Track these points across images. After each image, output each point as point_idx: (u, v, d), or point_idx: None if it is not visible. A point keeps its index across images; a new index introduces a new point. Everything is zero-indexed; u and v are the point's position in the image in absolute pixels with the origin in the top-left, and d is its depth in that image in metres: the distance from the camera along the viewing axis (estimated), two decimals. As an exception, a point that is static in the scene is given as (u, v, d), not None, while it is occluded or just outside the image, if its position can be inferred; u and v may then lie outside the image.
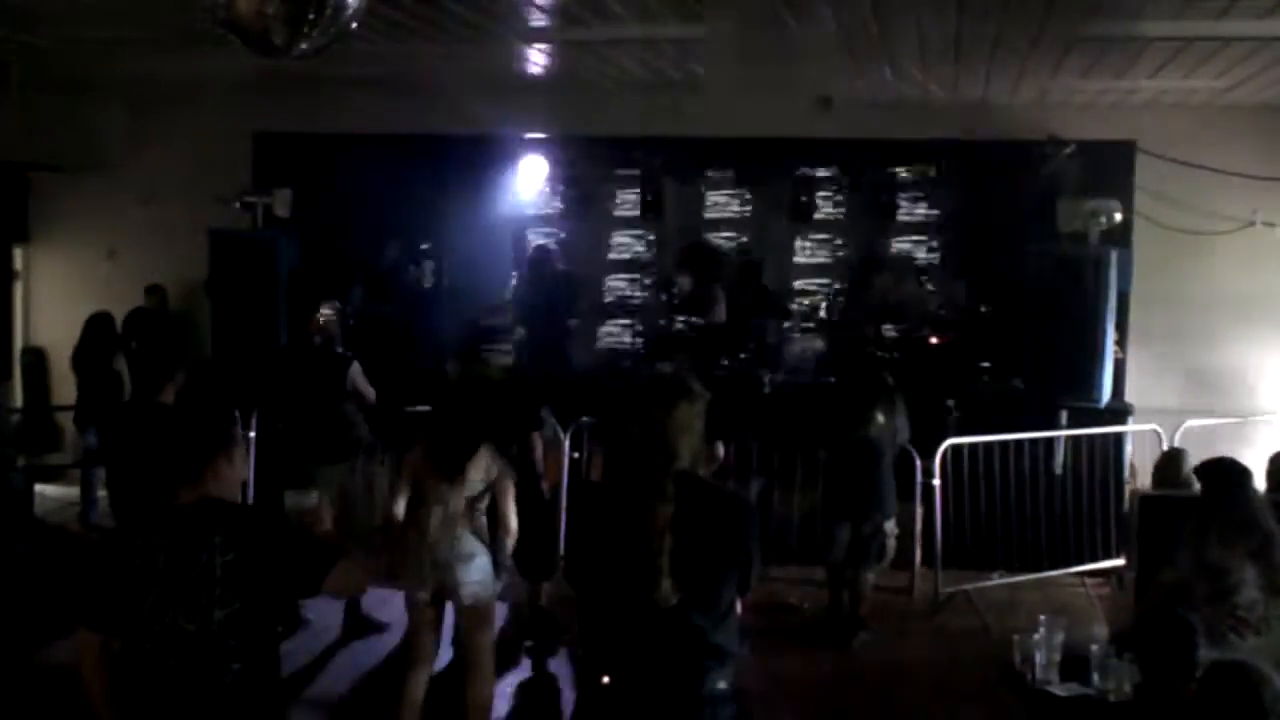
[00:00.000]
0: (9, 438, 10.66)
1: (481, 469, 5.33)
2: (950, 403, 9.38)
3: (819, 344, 10.66)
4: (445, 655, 5.84)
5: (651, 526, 3.07)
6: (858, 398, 7.43)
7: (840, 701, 6.57)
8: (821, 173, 11.03)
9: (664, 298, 11.41)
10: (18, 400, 11.64)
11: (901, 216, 11.13)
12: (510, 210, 11.38)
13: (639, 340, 11.63)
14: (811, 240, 11.54)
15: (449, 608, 5.45)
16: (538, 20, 7.31)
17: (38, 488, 9.49)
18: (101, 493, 9.11)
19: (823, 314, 11.24)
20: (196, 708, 3.29)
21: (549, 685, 6.71)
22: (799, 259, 11.60)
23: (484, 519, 5.37)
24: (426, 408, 7.21)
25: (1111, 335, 9.03)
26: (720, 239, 11.60)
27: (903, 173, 10.98)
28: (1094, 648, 5.00)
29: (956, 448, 8.51)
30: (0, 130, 9.83)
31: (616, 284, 11.87)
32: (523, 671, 6.86)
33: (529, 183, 11.24)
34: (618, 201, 11.73)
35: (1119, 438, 9.07)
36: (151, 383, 6.42)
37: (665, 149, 10.87)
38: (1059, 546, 8.61)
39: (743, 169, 11.38)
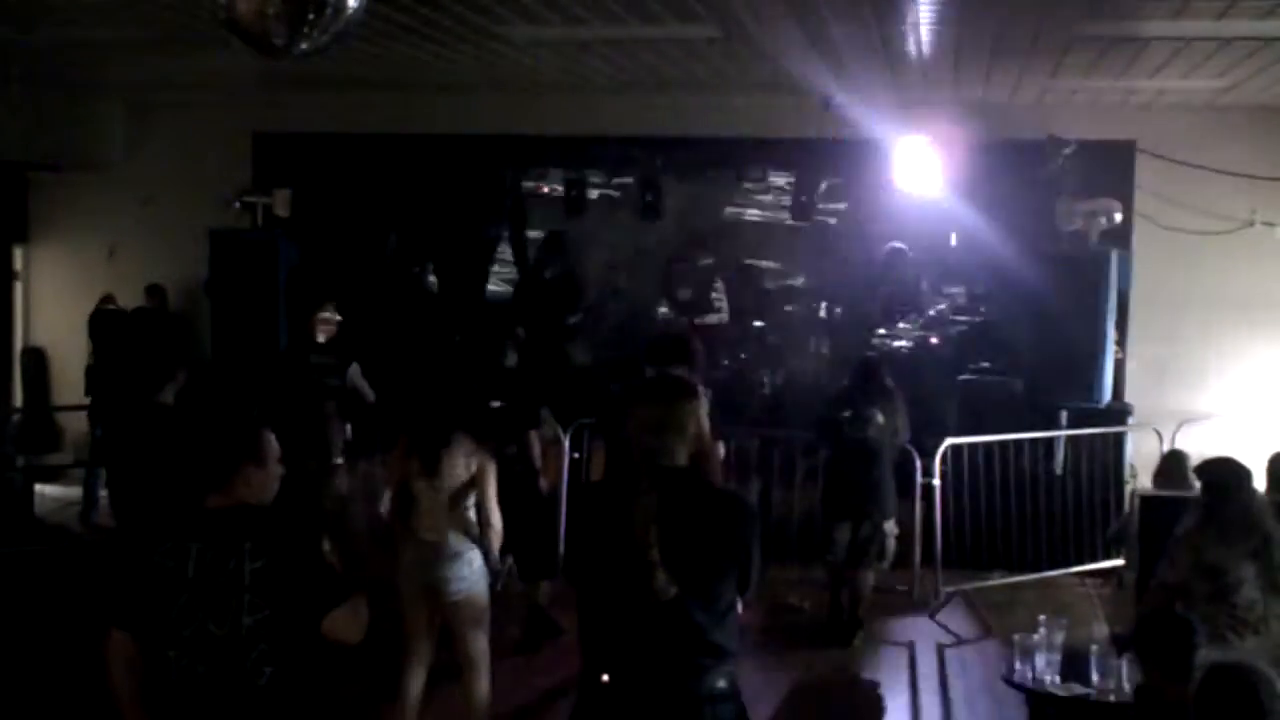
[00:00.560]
0: (9, 438, 10.70)
1: (462, 465, 5.31)
2: (950, 403, 9.40)
3: (821, 344, 10.68)
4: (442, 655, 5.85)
5: (637, 520, 3.07)
6: (857, 398, 7.44)
7: (840, 701, 6.58)
8: (820, 173, 11.00)
9: (664, 299, 11.42)
10: (18, 400, 11.66)
11: (900, 217, 11.11)
12: (511, 211, 11.37)
13: (637, 341, 11.62)
14: (811, 241, 11.52)
15: (440, 606, 5.45)
16: (537, 20, 7.31)
17: (38, 488, 9.50)
18: (102, 492, 9.12)
19: (823, 314, 11.23)
20: (227, 712, 3.27)
21: (548, 684, 6.71)
22: (799, 259, 11.59)
23: (472, 515, 5.36)
24: (405, 405, 7.22)
25: (1111, 335, 9.03)
26: (720, 239, 11.60)
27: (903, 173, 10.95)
28: (1094, 648, 5.00)
29: (956, 448, 8.50)
30: (0, 130, 9.84)
31: (616, 284, 11.85)
32: (522, 671, 6.85)
33: (530, 183, 11.23)
34: (617, 201, 11.72)
35: (1119, 438, 9.07)
36: (151, 383, 6.43)
37: (665, 149, 10.87)
38: (1059, 546, 8.62)
39: (742, 169, 11.37)
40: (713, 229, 11.62)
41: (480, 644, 5.40)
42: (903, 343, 10.32)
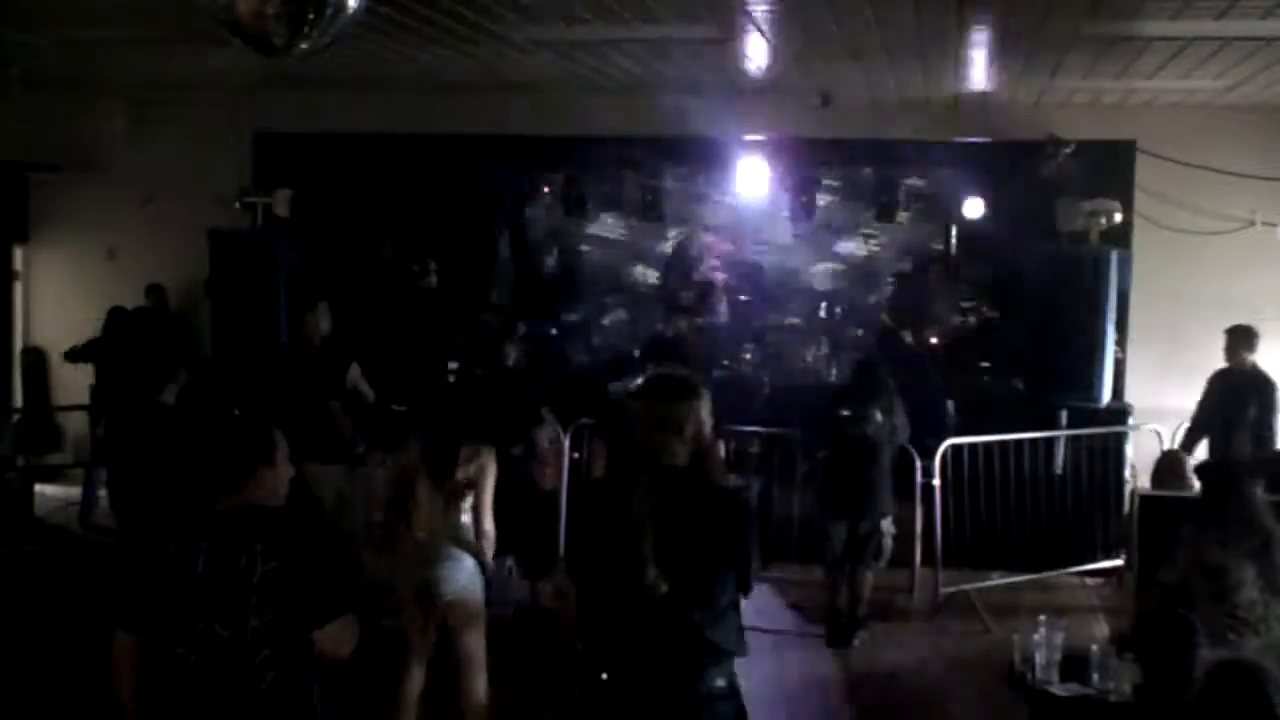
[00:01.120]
0: (9, 438, 10.70)
1: (463, 469, 5.31)
2: (950, 403, 9.40)
3: (821, 345, 10.69)
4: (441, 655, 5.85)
5: (632, 516, 3.08)
6: (855, 397, 7.43)
7: (840, 701, 6.57)
8: (822, 173, 11.01)
9: (663, 300, 11.43)
10: (18, 400, 11.65)
11: (901, 217, 11.13)
12: (510, 211, 11.37)
13: (637, 340, 11.63)
14: (812, 241, 11.54)
15: (436, 606, 5.45)
16: (537, 20, 7.31)
17: (38, 488, 9.49)
18: (101, 492, 9.12)
19: (823, 314, 11.24)
20: (230, 713, 3.27)
21: (547, 684, 6.71)
22: (800, 259, 11.60)
23: (467, 519, 5.35)
24: (417, 408, 7.22)
25: (1111, 335, 9.03)
26: (720, 240, 11.61)
27: (902, 172, 10.96)
28: (1094, 648, 5.00)
29: (956, 448, 8.50)
30: (0, 130, 9.83)
31: (616, 284, 11.87)
32: (521, 670, 6.85)
33: (529, 183, 11.23)
34: (617, 201, 11.73)
35: (1119, 438, 9.07)
36: (152, 383, 6.43)
37: (665, 149, 10.87)
38: (1059, 546, 8.61)
39: (742, 169, 11.35)
40: (712, 229, 11.65)
41: (475, 644, 5.41)
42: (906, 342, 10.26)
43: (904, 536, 8.10)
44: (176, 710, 3.32)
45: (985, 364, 10.02)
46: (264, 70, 8.38)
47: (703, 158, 11.12)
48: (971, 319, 10.27)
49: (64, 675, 5.84)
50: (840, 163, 10.91)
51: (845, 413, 7.33)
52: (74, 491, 9.99)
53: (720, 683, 3.15)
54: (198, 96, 10.52)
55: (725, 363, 10.32)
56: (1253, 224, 9.60)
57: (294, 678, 3.33)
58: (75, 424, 11.05)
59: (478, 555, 5.33)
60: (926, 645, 7.44)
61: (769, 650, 7.01)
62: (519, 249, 11.69)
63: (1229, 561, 5.15)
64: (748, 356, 10.47)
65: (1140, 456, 9.08)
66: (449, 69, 8.77)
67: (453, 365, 9.36)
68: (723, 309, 10.81)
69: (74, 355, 10.13)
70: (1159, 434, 8.98)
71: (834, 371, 10.50)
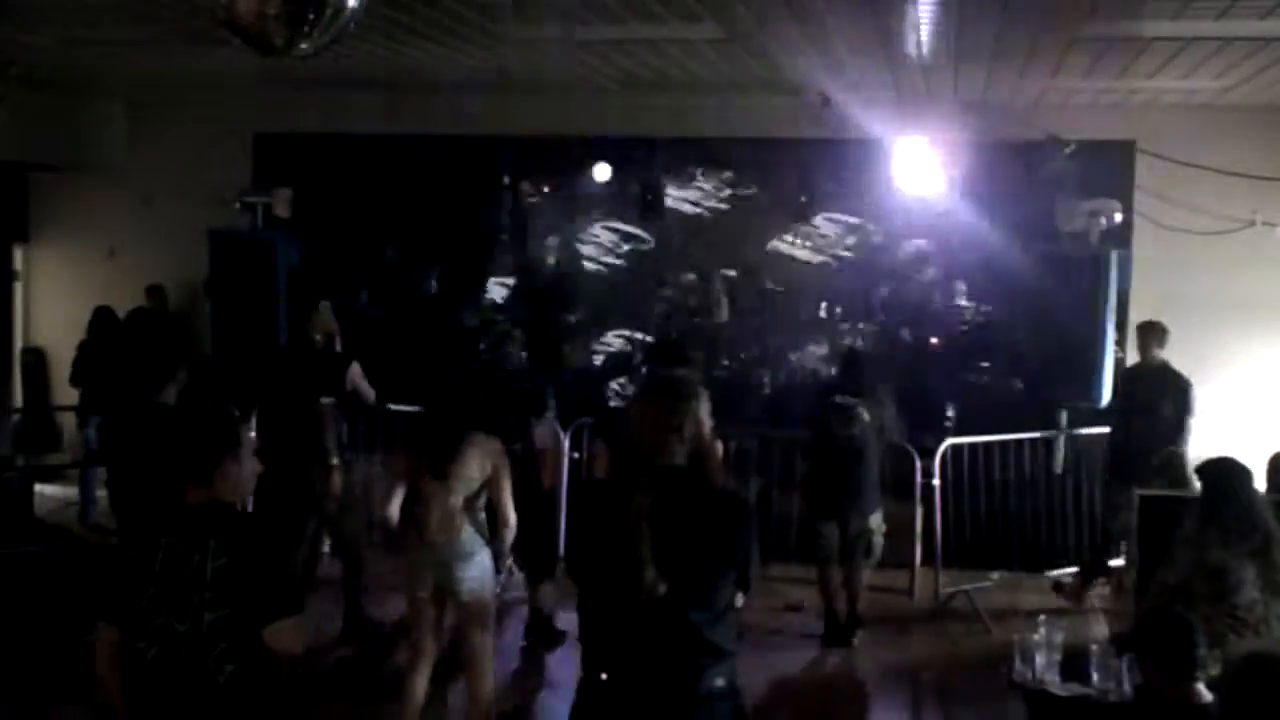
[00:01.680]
0: (9, 438, 10.69)
1: (475, 465, 5.31)
2: (950, 403, 9.40)
3: (821, 345, 10.69)
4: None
5: (630, 516, 3.08)
6: (842, 394, 7.42)
7: (840, 701, 6.57)
8: (821, 173, 11.01)
9: (662, 301, 11.43)
10: (18, 400, 11.66)
11: (901, 217, 11.13)
12: (511, 211, 11.38)
13: (637, 341, 11.63)
14: (812, 241, 11.54)
15: (449, 606, 5.46)
16: (537, 20, 7.31)
17: (38, 488, 9.49)
18: (101, 492, 9.12)
19: (822, 314, 11.24)
20: (190, 707, 3.30)
21: (548, 684, 6.72)
22: (799, 259, 11.60)
23: (483, 515, 5.36)
24: (414, 407, 7.21)
25: (1111, 335, 9.03)
26: (719, 240, 11.61)
27: (902, 173, 10.95)
28: (1094, 648, 5.00)
29: (956, 448, 8.51)
30: (0, 130, 9.83)
31: (616, 284, 11.86)
32: (522, 670, 6.86)
33: (530, 183, 11.23)
34: (617, 202, 11.73)
35: (1119, 438, 9.06)
36: (151, 383, 6.42)
37: (665, 149, 10.87)
38: (1059, 546, 8.61)
39: (742, 169, 11.37)
40: (712, 229, 11.64)
41: (484, 643, 5.42)
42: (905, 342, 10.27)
43: (904, 536, 8.11)
44: (140, 704, 3.37)
45: (985, 364, 10.01)
46: (264, 70, 8.37)
47: (703, 157, 11.13)
48: (971, 319, 10.27)
49: (64, 675, 5.85)
50: (840, 162, 10.91)
51: (832, 412, 7.31)
52: (74, 491, 10.00)
53: (720, 683, 3.15)
54: (198, 96, 10.52)
55: (725, 362, 10.32)
56: (1253, 224, 9.59)
57: (253, 673, 3.35)
58: (75, 424, 11.05)
59: (496, 547, 5.34)
60: (926, 645, 7.44)
61: (769, 650, 7.02)
62: (518, 249, 11.69)
63: (1229, 561, 5.15)
64: (747, 356, 10.47)
65: (1140, 456, 9.08)
66: (449, 69, 8.77)
67: (452, 365, 9.37)
68: (722, 309, 10.80)
69: (75, 377, 10.16)
70: (1159, 434, 8.99)
71: (834, 371, 10.49)
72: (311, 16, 4.18)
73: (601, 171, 11.09)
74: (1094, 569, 8.27)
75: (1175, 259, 9.60)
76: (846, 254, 11.56)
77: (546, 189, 11.49)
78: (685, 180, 11.50)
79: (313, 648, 6.85)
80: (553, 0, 6.83)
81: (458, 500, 5.27)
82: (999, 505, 8.58)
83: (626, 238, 11.79)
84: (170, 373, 6.43)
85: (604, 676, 3.19)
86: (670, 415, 3.22)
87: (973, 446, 8.53)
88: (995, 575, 8.52)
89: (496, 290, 11.51)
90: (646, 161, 11.07)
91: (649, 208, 11.28)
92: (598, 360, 11.25)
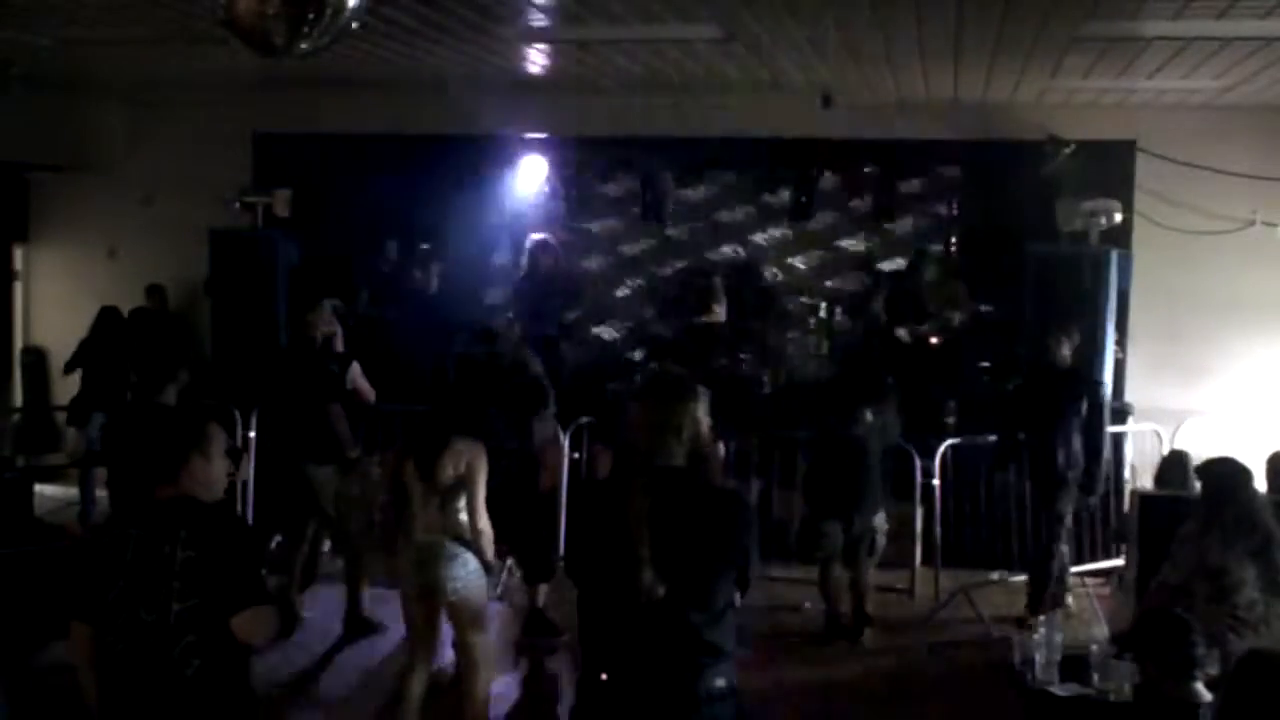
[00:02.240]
0: (9, 438, 10.69)
1: (452, 467, 5.32)
2: (950, 403, 9.39)
3: (822, 345, 10.67)
4: (446, 654, 5.85)
5: (630, 518, 3.08)
6: (844, 395, 7.42)
7: (840, 702, 6.57)
8: (821, 173, 11.00)
9: (662, 301, 11.42)
10: (18, 400, 11.65)
11: (901, 216, 11.13)
12: (511, 211, 11.37)
13: (637, 340, 11.63)
14: (812, 241, 11.53)
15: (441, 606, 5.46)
16: (538, 20, 7.31)
17: (38, 488, 9.49)
18: (101, 492, 9.12)
19: (822, 314, 11.23)
20: (156, 700, 3.32)
21: (548, 684, 6.71)
22: (799, 259, 11.60)
23: (464, 517, 5.36)
24: (410, 408, 7.21)
25: (1111, 335, 9.03)
26: (719, 240, 11.60)
27: (903, 173, 10.96)
28: (1094, 648, 5.01)
29: (956, 448, 8.50)
30: (0, 130, 9.84)
31: (616, 284, 11.85)
32: (522, 671, 6.86)
33: (529, 183, 11.23)
34: (617, 202, 11.73)
35: (1119, 438, 9.06)
36: (152, 383, 6.43)
37: (665, 149, 10.87)
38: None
39: (743, 169, 11.37)
40: (712, 229, 11.64)
41: (480, 644, 5.42)
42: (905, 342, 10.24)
43: (904, 536, 8.11)
44: (112, 696, 3.38)
45: (985, 364, 10.01)
46: (264, 70, 8.37)
47: (703, 157, 11.12)
48: (971, 319, 10.26)
49: (64, 675, 5.85)
50: (840, 162, 10.91)
51: (834, 413, 7.31)
52: (74, 491, 9.99)
53: (719, 683, 3.15)
54: (198, 96, 10.52)
55: (725, 362, 10.31)
56: (1253, 224, 9.60)
57: (221, 665, 3.36)
58: (66, 421, 11.04)
59: (480, 554, 5.34)
60: (926, 645, 7.44)
61: (769, 650, 7.02)
62: (519, 250, 11.68)
63: (1229, 561, 5.16)
64: (747, 356, 10.46)
65: (1140, 456, 9.09)
66: (449, 69, 8.77)
67: (450, 365, 9.36)
68: (722, 309, 10.78)
69: (70, 366, 10.17)
70: (1159, 434, 8.99)
71: (834, 371, 10.47)
72: (311, 16, 4.19)
73: (601, 171, 11.09)
74: (1038, 588, 7.70)
75: (1175, 259, 9.61)
76: (848, 253, 11.55)
77: (547, 188, 11.47)
78: (685, 180, 11.49)
79: (313, 647, 6.89)
80: (553, 0, 6.83)
81: (438, 500, 5.27)
82: (999, 505, 8.57)
83: (627, 237, 11.77)
84: (170, 373, 6.43)
85: (603, 677, 3.19)
86: (669, 416, 3.22)
87: (973, 446, 8.52)
88: (995, 575, 8.52)
89: (496, 290, 11.50)
90: (646, 161, 11.08)
91: (649, 207, 11.29)
92: (597, 360, 11.23)
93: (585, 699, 3.24)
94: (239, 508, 8.30)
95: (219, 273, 10.14)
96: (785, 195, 11.11)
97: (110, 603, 3.31)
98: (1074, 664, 4.95)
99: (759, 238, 11.61)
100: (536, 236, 11.02)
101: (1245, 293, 9.59)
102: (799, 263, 11.55)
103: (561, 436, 8.36)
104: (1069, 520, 7.65)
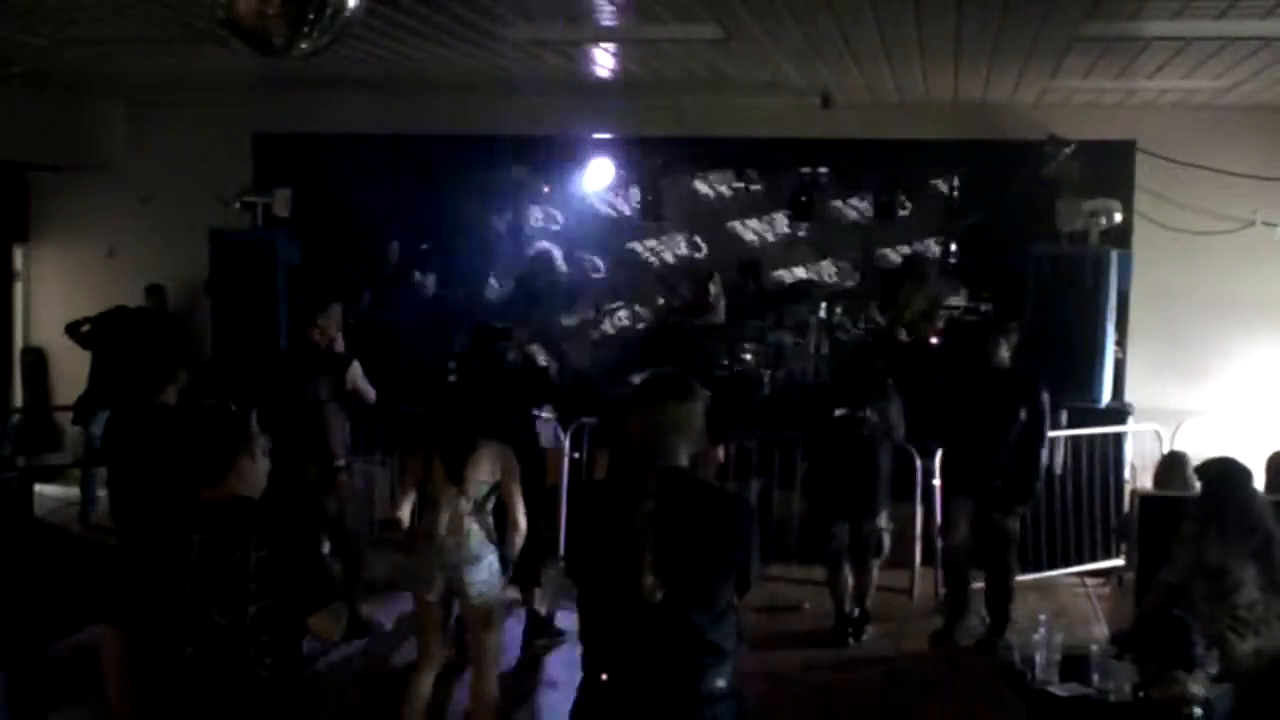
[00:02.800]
0: (9, 438, 10.68)
1: (486, 469, 5.35)
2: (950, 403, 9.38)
3: (822, 344, 10.68)
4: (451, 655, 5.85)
5: (634, 522, 3.08)
6: (849, 395, 7.42)
7: (840, 701, 6.57)
8: (822, 173, 11.01)
9: (662, 300, 11.43)
10: (18, 400, 11.65)
11: (901, 216, 11.13)
12: (510, 212, 11.38)
13: (636, 341, 11.63)
14: (811, 241, 11.54)
15: (456, 608, 5.48)
16: (538, 20, 7.31)
17: (38, 488, 9.49)
18: (101, 492, 9.12)
19: (822, 314, 11.24)
20: (232, 702, 3.31)
21: (548, 684, 6.72)
22: (799, 259, 11.61)
23: (491, 519, 5.39)
24: (424, 409, 7.21)
25: (1111, 335, 9.03)
26: (719, 239, 11.61)
27: (903, 173, 10.96)
28: (1094, 648, 5.01)
29: (956, 448, 8.48)
30: (0, 130, 9.84)
31: (616, 284, 11.86)
32: (524, 671, 6.86)
33: (530, 183, 11.24)
34: (618, 202, 11.74)
35: (1119, 438, 9.07)
36: (152, 383, 6.42)
37: (665, 149, 10.88)
38: (1059, 546, 8.61)
39: (743, 169, 11.38)
40: (712, 230, 11.65)
41: (491, 644, 5.43)
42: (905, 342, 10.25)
43: (904, 536, 8.10)
44: (176, 704, 3.35)
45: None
46: (264, 70, 8.36)
47: (703, 157, 11.14)
48: (971, 319, 10.26)
49: (63, 674, 5.85)
50: (840, 162, 10.92)
51: (840, 413, 7.30)
52: (74, 491, 10.00)
53: (720, 683, 3.15)
54: (198, 96, 10.52)
55: (725, 362, 10.32)
56: (1253, 224, 9.60)
57: (290, 664, 3.38)
58: (71, 421, 11.04)
59: (505, 551, 5.37)
60: (926, 645, 7.44)
61: (770, 650, 7.02)
62: (518, 250, 11.68)
63: (1229, 561, 5.16)
64: (748, 357, 10.47)
65: (1140, 456, 9.09)
66: (449, 69, 8.77)
67: (452, 365, 9.37)
68: (722, 309, 10.80)
69: (75, 329, 10.15)
70: (1159, 434, 8.99)
71: (835, 371, 10.48)
72: (311, 16, 4.19)
73: (601, 171, 11.11)
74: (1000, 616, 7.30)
75: (1175, 259, 9.61)
76: (848, 253, 11.56)
77: (546, 189, 11.48)
78: (686, 180, 11.50)
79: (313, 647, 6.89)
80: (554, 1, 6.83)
81: (468, 504, 5.29)
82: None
83: (627, 237, 11.78)
84: (170, 373, 6.43)
85: (604, 677, 3.19)
86: (670, 416, 3.22)
87: (973, 446, 8.50)
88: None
89: (497, 290, 11.51)
90: (646, 161, 11.08)
91: (650, 207, 11.30)
92: (597, 360, 11.23)
93: (586, 699, 3.24)
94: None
95: (219, 273, 10.14)
96: (785, 195, 11.12)
97: (176, 608, 3.28)
98: (1074, 664, 4.95)
99: (759, 238, 11.61)
100: (537, 243, 11.06)
101: (1245, 293, 9.59)
102: (799, 262, 11.56)
103: (561, 436, 8.36)
104: (1016, 533, 7.29)
